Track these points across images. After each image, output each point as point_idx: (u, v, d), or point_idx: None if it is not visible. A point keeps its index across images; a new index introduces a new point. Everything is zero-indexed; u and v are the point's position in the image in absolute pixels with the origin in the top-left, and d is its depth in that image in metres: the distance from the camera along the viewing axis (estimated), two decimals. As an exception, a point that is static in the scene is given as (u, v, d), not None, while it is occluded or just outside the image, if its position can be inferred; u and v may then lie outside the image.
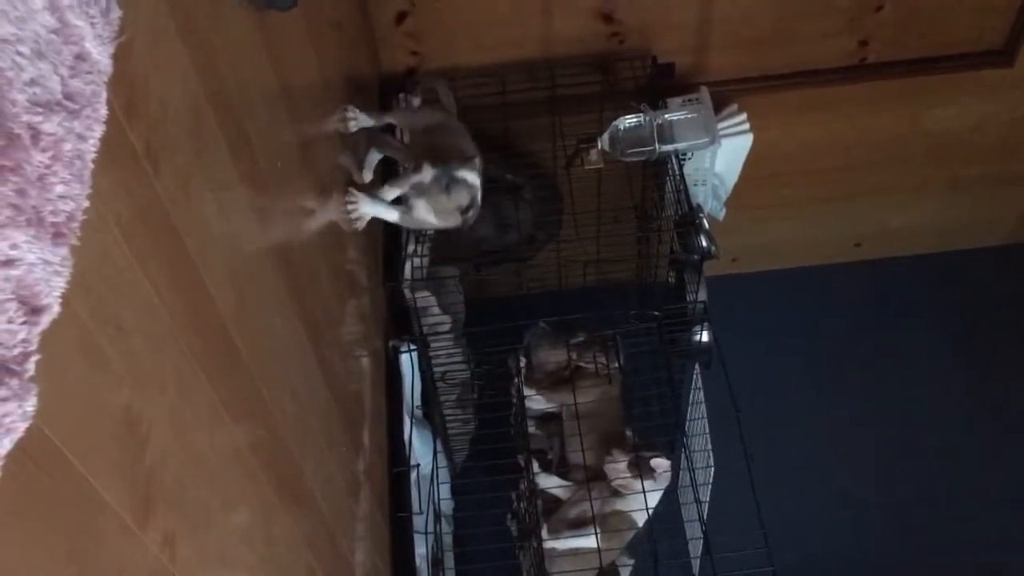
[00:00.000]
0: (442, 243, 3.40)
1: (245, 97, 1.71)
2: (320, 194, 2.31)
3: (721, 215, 3.78)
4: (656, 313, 3.28)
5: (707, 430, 2.99)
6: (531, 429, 3.33)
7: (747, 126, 3.56)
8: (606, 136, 3.24)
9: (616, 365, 3.20)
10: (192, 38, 1.42)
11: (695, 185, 3.56)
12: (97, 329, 1.05)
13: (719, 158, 3.52)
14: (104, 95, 1.04)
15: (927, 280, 4.45)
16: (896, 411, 4.18)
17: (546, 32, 3.54)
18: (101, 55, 1.04)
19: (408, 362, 3.13)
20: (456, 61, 3.57)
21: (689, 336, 3.39)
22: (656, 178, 3.59)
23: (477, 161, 2.64)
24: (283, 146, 1.97)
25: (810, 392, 4.23)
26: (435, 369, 3.35)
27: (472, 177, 2.57)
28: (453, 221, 2.61)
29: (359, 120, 2.70)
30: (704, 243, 3.29)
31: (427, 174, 2.53)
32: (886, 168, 4.08)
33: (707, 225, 3.34)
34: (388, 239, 3.30)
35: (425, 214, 2.59)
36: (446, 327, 3.38)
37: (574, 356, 3.23)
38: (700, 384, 3.12)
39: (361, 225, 2.61)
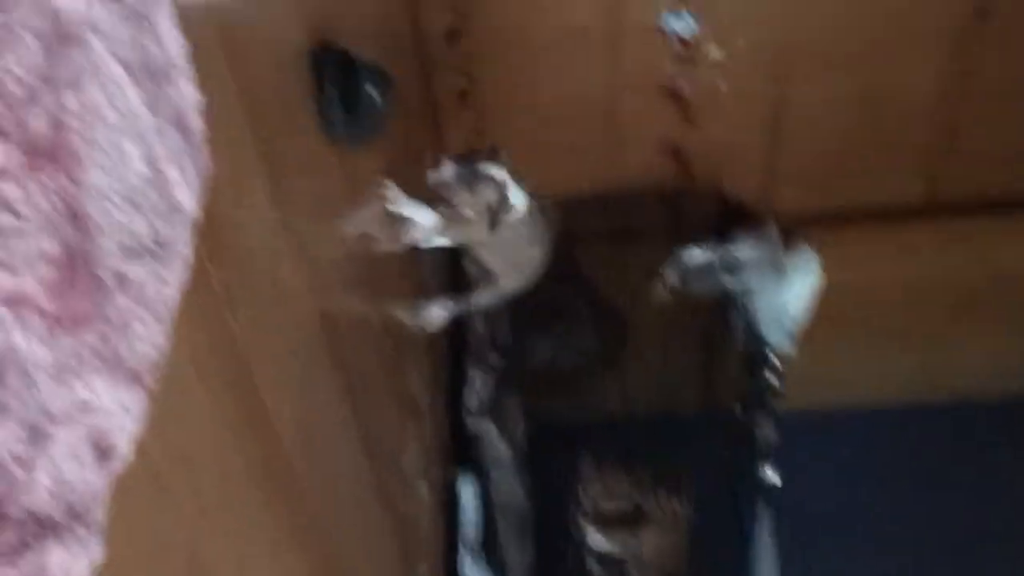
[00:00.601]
0: (504, 371, 3.39)
1: (320, 230, 1.76)
2: (389, 318, 2.33)
3: (790, 351, 3.71)
4: (723, 449, 3.20)
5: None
6: (595, 570, 3.22)
7: (816, 262, 3.52)
8: (672, 269, 3.24)
9: (682, 508, 3.10)
10: (277, 177, 1.47)
11: (763, 321, 3.51)
12: (168, 468, 1.05)
13: (788, 294, 3.47)
14: (189, 240, 1.06)
15: (1005, 427, 4.27)
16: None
17: (613, 163, 3.59)
18: (189, 202, 1.07)
19: (467, 492, 3.08)
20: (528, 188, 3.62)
21: (757, 474, 3.29)
22: (723, 313, 3.55)
23: (503, 156, 2.25)
24: (354, 277, 2.00)
25: (882, 535, 4.04)
26: (495, 499, 3.29)
27: (499, 172, 2.20)
28: (480, 229, 2.21)
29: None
30: (772, 379, 3.23)
31: (447, 170, 2.16)
32: (956, 309, 3.98)
33: (775, 361, 3.28)
34: (452, 365, 3.30)
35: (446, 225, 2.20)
36: (506, 456, 3.34)
37: (637, 497, 3.14)
38: (768, 524, 3.01)
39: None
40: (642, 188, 3.62)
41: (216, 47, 1.25)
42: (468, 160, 2.14)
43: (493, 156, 2.19)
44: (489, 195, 2.14)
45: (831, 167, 3.53)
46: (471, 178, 2.12)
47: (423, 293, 2.70)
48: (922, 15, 3.15)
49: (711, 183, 3.60)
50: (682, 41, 3.22)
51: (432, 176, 2.14)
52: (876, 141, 3.46)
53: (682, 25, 3.18)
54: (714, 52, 3.25)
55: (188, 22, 1.13)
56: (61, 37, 0.83)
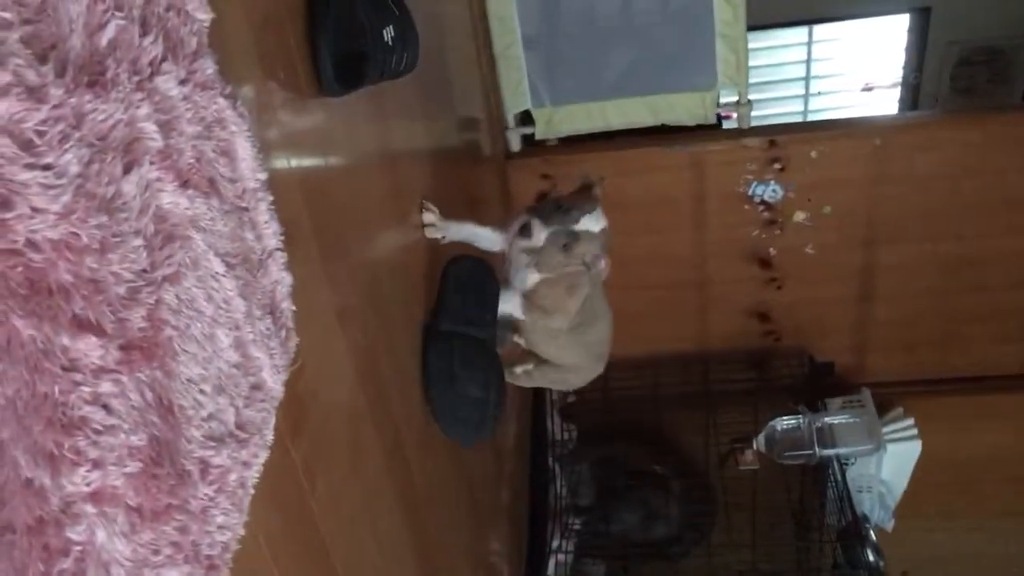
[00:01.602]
0: (587, 537, 3.29)
1: (403, 403, 1.77)
2: (471, 481, 2.30)
3: (889, 526, 3.52)
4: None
5: None
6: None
7: (915, 431, 3.38)
8: (762, 436, 3.15)
9: None
10: (359, 349, 1.50)
11: (859, 492, 3.36)
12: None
13: (885, 464, 3.33)
14: (273, 421, 1.08)
15: None
16: None
17: (702, 327, 3.57)
18: (275, 383, 1.10)
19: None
20: (610, 351, 3.62)
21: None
22: (817, 484, 3.40)
23: (598, 207, 2.08)
24: (436, 468, 1.99)
25: None
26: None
27: (593, 223, 2.02)
28: (567, 289, 2.03)
29: None
30: (871, 556, 3.05)
31: (539, 235, 1.97)
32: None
33: (874, 536, 3.11)
34: (532, 532, 3.22)
35: (537, 284, 2.03)
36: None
37: None
38: None
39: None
40: (731, 351, 3.57)
41: (310, 235, 1.30)
42: (559, 217, 1.96)
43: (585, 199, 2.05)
44: (585, 249, 2.00)
45: (924, 332, 3.44)
46: (567, 239, 1.98)
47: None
48: (1018, 184, 3.12)
49: (801, 347, 3.54)
50: (768, 207, 3.24)
51: (523, 243, 1.99)
52: (969, 307, 3.36)
53: (768, 192, 3.21)
54: (800, 218, 3.26)
55: (284, 204, 1.19)
56: (165, 236, 0.87)
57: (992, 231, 3.20)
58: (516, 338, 2.25)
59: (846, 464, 3.26)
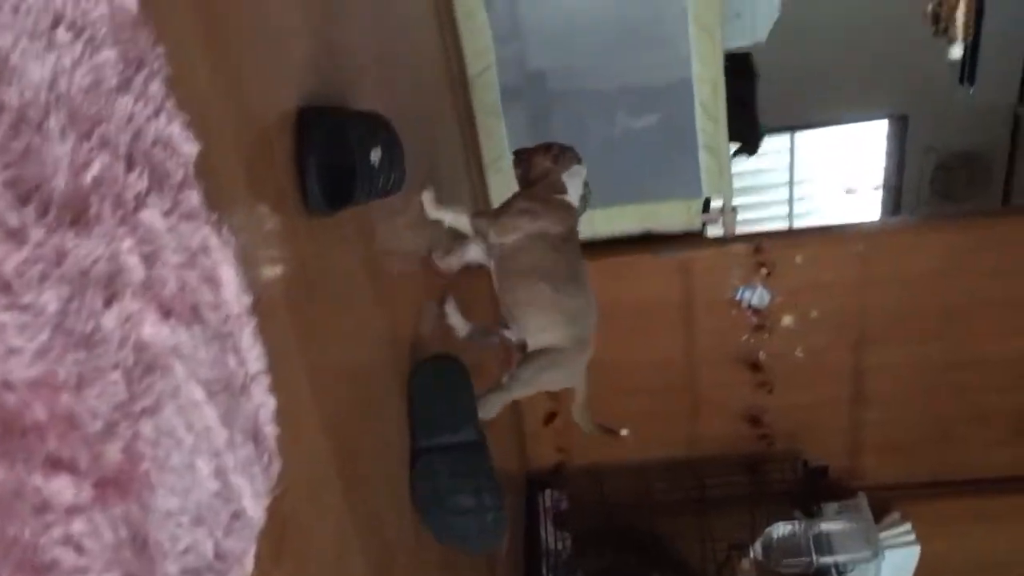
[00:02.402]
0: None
1: (393, 521, 1.74)
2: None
3: (890, 634, 3.43)
4: None
5: None
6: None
7: (913, 536, 3.33)
8: (759, 544, 3.09)
9: None
10: (346, 468, 1.48)
11: (859, 601, 3.29)
12: None
13: (884, 571, 3.26)
14: (253, 549, 1.06)
15: None
16: None
17: (692, 432, 3.54)
18: (256, 510, 1.08)
19: None
20: (602, 458, 3.59)
21: None
22: (815, 593, 3.34)
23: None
24: (425, 563, 1.95)
25: None
26: None
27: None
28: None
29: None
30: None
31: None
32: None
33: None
34: None
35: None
36: None
37: None
38: None
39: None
40: (723, 456, 3.54)
41: (295, 354, 1.30)
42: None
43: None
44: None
45: (917, 434, 3.42)
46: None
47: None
48: (1002, 288, 3.15)
49: (794, 451, 3.51)
50: (756, 312, 3.26)
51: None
52: (960, 409, 3.36)
53: (756, 297, 3.24)
54: (788, 322, 3.28)
55: (269, 324, 1.19)
56: (145, 367, 0.87)
57: (978, 334, 3.22)
58: (505, 332, 2.27)
59: (844, 572, 3.19)
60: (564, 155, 2.29)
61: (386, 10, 2.16)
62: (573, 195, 2.25)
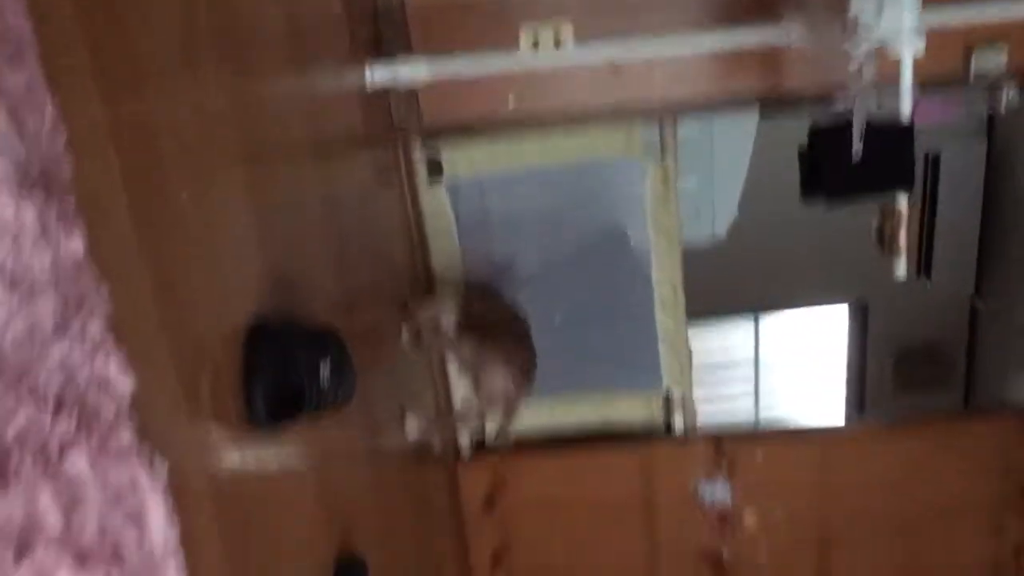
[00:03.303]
0: None
1: None
2: None
3: None
4: None
5: None
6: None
7: None
8: None
9: None
10: None
11: None
12: None
13: None
14: None
15: None
16: None
17: None
18: None
19: None
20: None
21: None
22: None
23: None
24: None
25: None
26: None
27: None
28: None
29: None
30: None
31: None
32: None
33: None
34: None
35: None
36: None
37: None
38: None
39: None
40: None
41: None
42: None
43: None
44: None
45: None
46: None
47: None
48: (964, 492, 3.15)
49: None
50: (718, 510, 3.22)
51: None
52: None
53: (718, 494, 3.21)
54: (751, 521, 3.23)
55: (202, 549, 1.16)
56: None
57: (943, 538, 3.19)
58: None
59: None
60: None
61: (349, 222, 2.23)
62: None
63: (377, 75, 2.55)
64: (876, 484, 3.16)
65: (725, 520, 3.24)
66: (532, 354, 2.67)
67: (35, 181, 0.88)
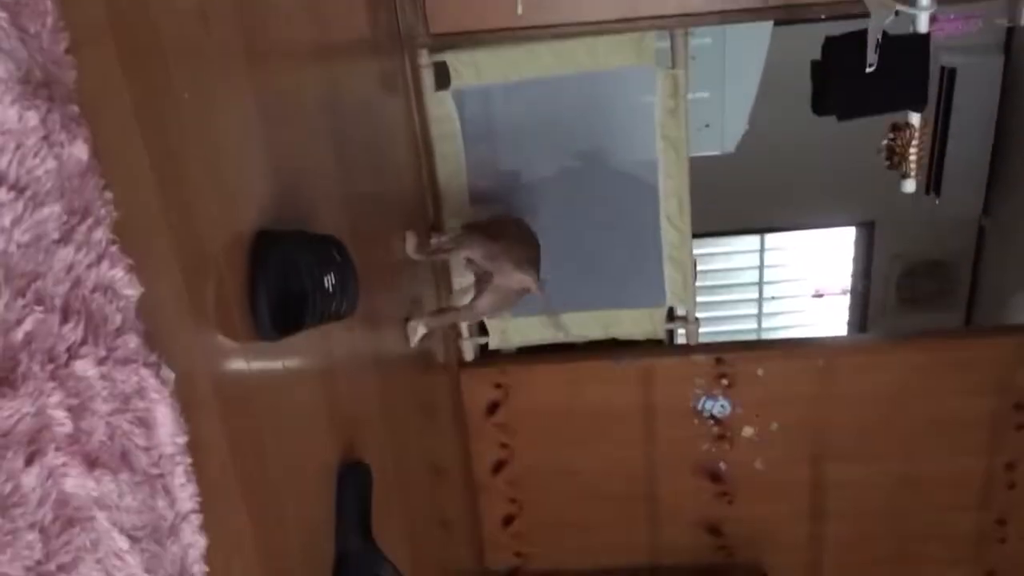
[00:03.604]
0: None
1: None
2: None
3: None
4: None
5: None
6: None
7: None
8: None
9: None
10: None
11: None
12: None
13: None
14: None
15: None
16: None
17: (652, 540, 3.51)
18: None
19: None
20: (561, 564, 3.55)
21: None
22: None
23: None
24: None
25: None
26: None
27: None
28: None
29: None
30: None
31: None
32: None
33: None
34: None
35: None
36: None
37: None
38: None
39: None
40: (683, 566, 3.51)
41: (234, 487, 1.30)
42: None
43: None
44: None
45: (876, 552, 3.40)
46: None
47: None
48: (961, 408, 3.18)
49: (754, 563, 3.48)
50: (717, 422, 3.27)
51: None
52: (919, 528, 3.35)
53: (717, 407, 3.25)
54: (749, 433, 3.29)
55: (209, 458, 1.19)
56: (65, 522, 0.86)
57: (938, 452, 3.24)
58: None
59: None
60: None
61: (353, 129, 2.20)
62: None
63: (383, -22, 2.49)
64: (874, 399, 3.19)
65: (723, 432, 3.29)
66: (538, 250, 2.66)
67: (38, 86, 0.86)
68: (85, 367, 0.91)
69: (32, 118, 0.85)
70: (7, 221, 0.83)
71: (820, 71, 2.62)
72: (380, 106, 2.58)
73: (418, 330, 2.59)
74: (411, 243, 2.61)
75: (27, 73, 0.85)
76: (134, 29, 1.13)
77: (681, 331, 3.38)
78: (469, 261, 2.59)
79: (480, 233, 2.58)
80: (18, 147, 0.84)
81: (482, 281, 2.60)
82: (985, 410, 3.19)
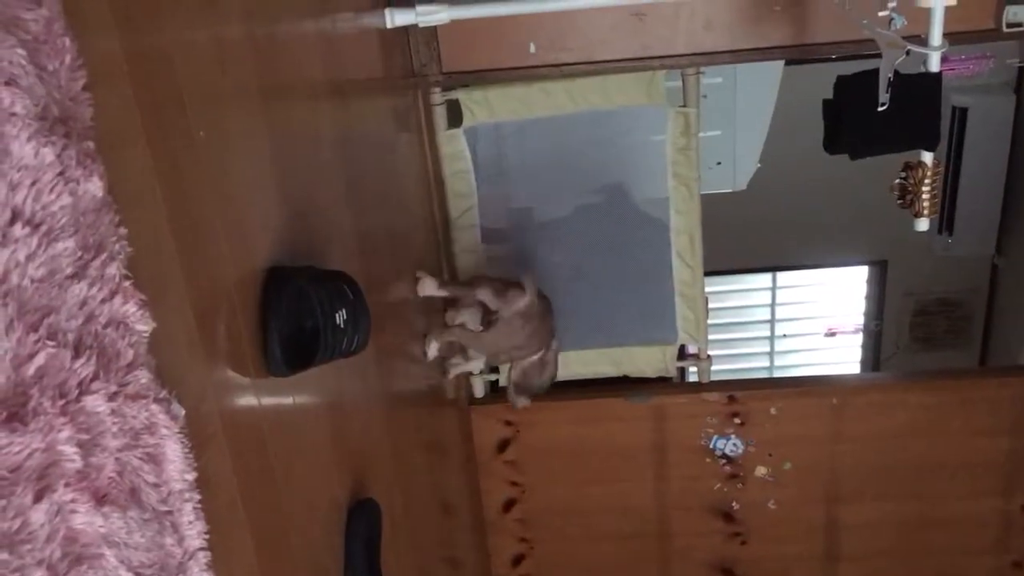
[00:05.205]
0: None
1: None
2: None
3: None
4: None
5: None
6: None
7: None
8: None
9: None
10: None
11: None
12: None
13: None
14: None
15: None
16: None
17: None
18: None
19: None
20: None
21: None
22: None
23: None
24: None
25: None
26: None
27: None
28: None
29: None
30: None
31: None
32: None
33: None
34: None
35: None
36: None
37: None
38: None
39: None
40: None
41: (244, 524, 1.29)
42: None
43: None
44: None
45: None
46: None
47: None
48: (976, 449, 3.15)
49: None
50: (729, 461, 3.24)
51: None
52: (932, 570, 3.30)
53: (729, 446, 3.22)
54: (762, 473, 3.26)
55: (216, 493, 1.18)
56: (73, 560, 0.86)
57: (953, 493, 3.20)
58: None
59: None
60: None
61: (366, 166, 2.22)
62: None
63: (397, 18, 2.52)
64: (887, 439, 3.16)
65: (736, 471, 3.26)
66: (553, 332, 2.81)
67: (55, 123, 0.87)
68: (96, 402, 0.91)
69: (48, 154, 0.86)
70: (22, 256, 0.83)
71: (832, 110, 2.62)
72: (393, 143, 2.60)
73: (432, 344, 2.68)
74: (424, 285, 2.64)
75: (44, 109, 0.86)
76: (150, 68, 1.14)
77: (693, 368, 3.36)
78: (479, 303, 2.63)
79: (490, 279, 2.70)
80: (34, 183, 0.85)
81: (489, 320, 2.66)
82: (1001, 451, 3.16)
